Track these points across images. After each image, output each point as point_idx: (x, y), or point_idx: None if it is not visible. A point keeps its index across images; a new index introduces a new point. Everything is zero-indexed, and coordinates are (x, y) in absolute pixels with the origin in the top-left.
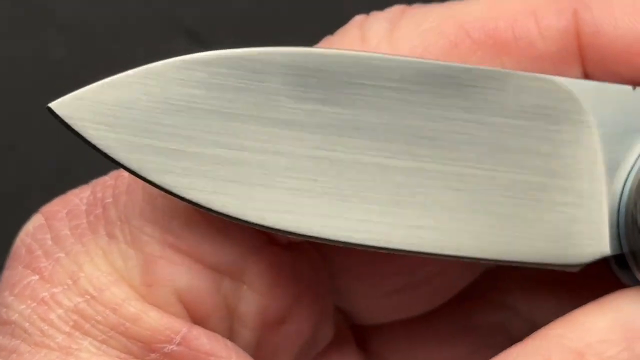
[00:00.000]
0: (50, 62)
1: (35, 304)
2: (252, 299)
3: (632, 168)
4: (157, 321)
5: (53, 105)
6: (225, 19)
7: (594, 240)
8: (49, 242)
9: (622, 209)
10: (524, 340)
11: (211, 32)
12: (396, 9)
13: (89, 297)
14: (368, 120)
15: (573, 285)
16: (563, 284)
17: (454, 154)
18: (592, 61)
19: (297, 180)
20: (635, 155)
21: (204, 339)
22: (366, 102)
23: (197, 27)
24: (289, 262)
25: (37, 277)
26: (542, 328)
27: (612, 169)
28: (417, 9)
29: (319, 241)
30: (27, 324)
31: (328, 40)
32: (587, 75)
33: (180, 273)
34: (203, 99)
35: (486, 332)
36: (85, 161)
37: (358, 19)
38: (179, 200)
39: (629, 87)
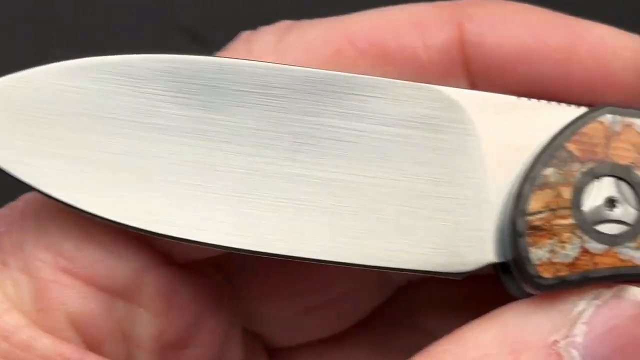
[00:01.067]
0: (50, 62)
1: None
2: (149, 321)
3: (515, 177)
4: (49, 348)
5: None
6: (225, 19)
7: (479, 248)
8: None
9: (506, 217)
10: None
11: (211, 32)
12: (283, 23)
13: None
14: (249, 126)
15: (483, 306)
16: (472, 303)
17: (337, 161)
18: (477, 72)
19: (177, 185)
20: (519, 164)
21: None
22: (247, 109)
23: (197, 27)
24: (187, 283)
25: None
26: (429, 345)
27: (497, 177)
28: (304, 22)
29: (198, 245)
30: None
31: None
32: (473, 86)
33: (72, 296)
34: (83, 104)
35: (398, 353)
36: None
37: (245, 34)
38: (66, 217)
39: (513, 98)
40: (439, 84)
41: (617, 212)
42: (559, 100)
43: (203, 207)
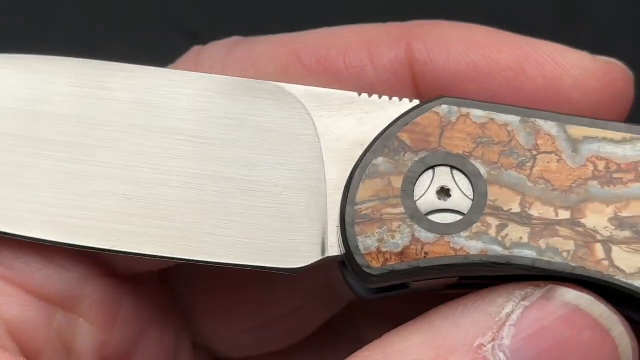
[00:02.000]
0: None
1: None
2: (89, 333)
3: (353, 172)
4: None
5: None
6: (225, 19)
7: (315, 243)
8: None
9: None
10: None
11: (211, 32)
12: (234, 38)
13: None
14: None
15: None
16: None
17: (176, 161)
18: (426, 90)
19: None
20: (354, 159)
21: None
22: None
23: (197, 27)
24: (131, 296)
25: None
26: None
27: (334, 172)
28: (255, 38)
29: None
30: None
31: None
32: None
33: (10, 304)
34: None
35: None
36: None
37: (196, 48)
38: None
39: (354, 94)
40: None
41: (451, 202)
42: None
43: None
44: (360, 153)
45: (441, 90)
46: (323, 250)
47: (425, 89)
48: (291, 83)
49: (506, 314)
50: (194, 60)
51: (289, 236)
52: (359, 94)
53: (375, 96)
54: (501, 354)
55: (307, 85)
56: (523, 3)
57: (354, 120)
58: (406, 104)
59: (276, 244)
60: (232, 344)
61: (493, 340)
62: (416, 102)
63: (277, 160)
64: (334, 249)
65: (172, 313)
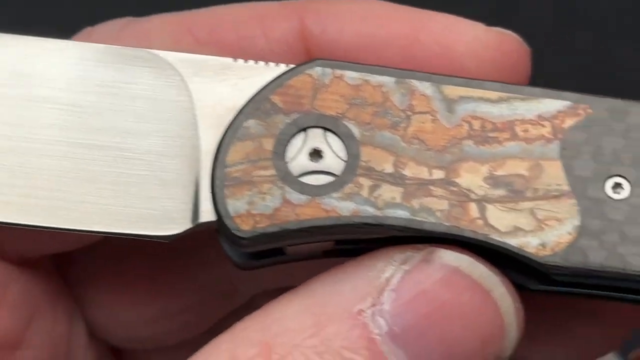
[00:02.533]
0: None
1: None
2: None
3: (224, 135)
4: None
5: None
6: None
7: (190, 209)
8: None
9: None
10: (212, 340)
11: None
12: (125, 18)
13: None
14: None
15: None
16: None
17: (54, 130)
18: None
19: None
20: (222, 126)
21: None
22: None
23: None
24: (19, 280)
25: None
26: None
27: (208, 138)
28: (147, 17)
29: None
30: None
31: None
32: None
33: None
34: None
35: None
36: None
37: (88, 28)
38: None
39: (230, 60)
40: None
41: (324, 163)
42: None
43: None
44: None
45: None
46: (196, 217)
47: None
48: None
49: (386, 279)
50: (85, 40)
51: (161, 203)
52: (235, 60)
53: (251, 61)
54: (381, 320)
55: None
56: (523, 3)
57: (229, 86)
58: (282, 69)
59: (149, 211)
60: (128, 336)
61: (373, 305)
62: (293, 67)
63: (151, 127)
64: (207, 215)
65: (65, 301)
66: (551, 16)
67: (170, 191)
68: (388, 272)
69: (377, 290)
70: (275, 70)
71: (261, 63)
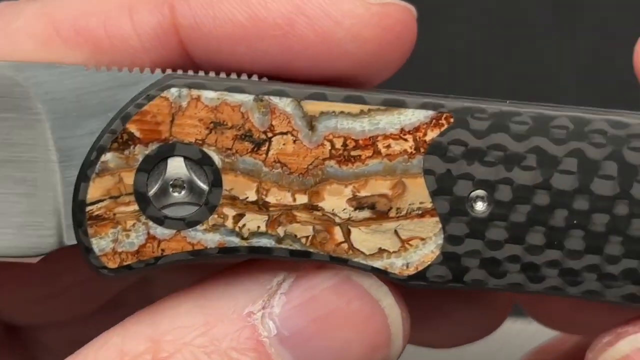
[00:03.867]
0: None
1: None
2: None
3: (81, 170)
4: None
5: None
6: None
7: (53, 231)
8: None
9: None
10: (100, 335)
11: None
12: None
13: None
14: None
15: None
16: None
17: None
18: (198, 55)
19: None
20: (88, 139)
21: None
22: None
23: None
24: None
25: None
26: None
27: (66, 156)
28: (11, 6)
29: None
30: None
31: None
32: (198, 68)
33: None
34: None
35: None
36: None
37: None
38: None
39: (81, 67)
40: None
41: (187, 194)
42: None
43: None
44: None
45: (211, 55)
46: (61, 241)
47: (196, 53)
48: (51, 59)
49: (277, 283)
50: None
51: (30, 226)
52: (87, 69)
53: (104, 69)
54: (270, 322)
55: (72, 59)
56: (523, 3)
57: (84, 96)
58: (139, 76)
59: (20, 234)
60: (20, 313)
61: (263, 308)
62: (149, 74)
63: (8, 145)
64: (72, 240)
65: None
66: (551, 16)
67: (36, 213)
68: (280, 276)
69: (268, 294)
70: (133, 79)
71: (114, 70)
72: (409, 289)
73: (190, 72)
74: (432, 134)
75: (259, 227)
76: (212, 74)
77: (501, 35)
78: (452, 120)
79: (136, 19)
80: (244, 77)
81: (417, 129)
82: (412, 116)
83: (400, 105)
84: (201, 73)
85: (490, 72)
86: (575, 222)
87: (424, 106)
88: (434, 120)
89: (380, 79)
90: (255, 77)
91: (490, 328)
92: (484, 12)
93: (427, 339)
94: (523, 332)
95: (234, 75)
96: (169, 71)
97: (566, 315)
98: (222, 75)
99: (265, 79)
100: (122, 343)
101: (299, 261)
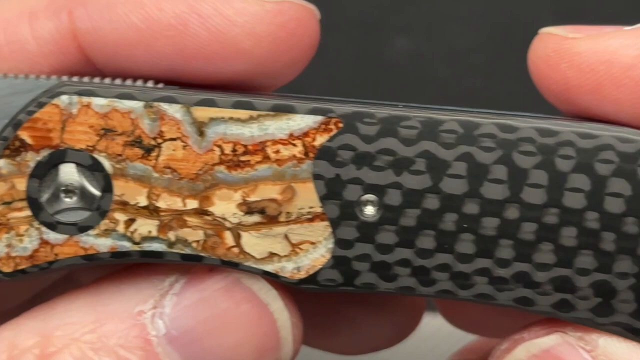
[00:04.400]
0: None
1: None
2: None
3: None
4: None
5: None
6: None
7: None
8: None
9: None
10: None
11: None
12: None
13: None
14: None
15: None
16: None
17: None
18: (97, 58)
19: None
20: None
21: None
22: None
23: None
24: None
25: None
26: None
27: None
28: None
29: None
30: None
31: None
32: (102, 73)
33: None
34: None
35: None
36: None
37: None
38: None
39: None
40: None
41: (79, 200)
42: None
43: None
44: None
45: (111, 59)
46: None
47: (96, 58)
48: None
49: (169, 284)
50: None
51: None
52: (4, 76)
53: (0, 76)
54: (160, 322)
55: None
56: (523, 3)
57: None
58: (33, 83)
59: None
60: None
61: (154, 308)
62: (44, 81)
63: None
64: None
65: None
66: (551, 16)
67: None
68: (172, 277)
69: (160, 294)
70: (29, 86)
71: (11, 77)
72: (313, 295)
73: (86, 79)
74: (321, 139)
75: (150, 231)
76: (107, 80)
77: (501, 35)
78: (341, 125)
79: (35, 25)
80: (140, 82)
81: (305, 134)
82: (301, 121)
83: (289, 110)
84: (97, 79)
85: (491, 72)
86: (465, 225)
87: (312, 111)
88: (322, 126)
89: (284, 80)
90: (150, 83)
91: (401, 336)
92: (484, 12)
93: (335, 346)
94: (455, 331)
95: (129, 81)
96: (64, 78)
97: (478, 318)
98: (118, 81)
99: (161, 85)
100: (13, 336)
101: (191, 265)
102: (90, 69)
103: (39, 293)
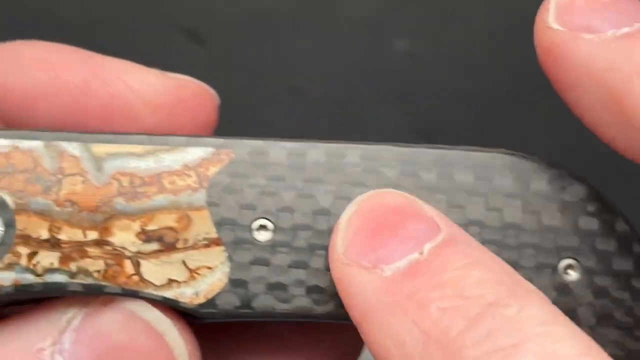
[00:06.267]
0: None
1: None
2: None
3: None
4: None
5: None
6: (225, 19)
7: None
8: None
9: None
10: None
11: (211, 32)
12: None
13: None
14: None
15: None
16: None
17: None
18: (5, 111)
19: None
20: None
21: None
22: None
23: (197, 27)
24: None
25: None
26: None
27: None
28: None
29: None
30: None
31: None
32: (7, 124)
33: None
34: None
35: None
36: None
37: None
38: None
39: None
40: None
41: None
42: None
43: None
44: None
45: (17, 112)
46: None
47: (4, 112)
48: None
49: (67, 320)
50: None
51: None
52: None
53: None
54: (60, 358)
55: None
56: (523, 3)
57: None
58: None
59: None
60: None
61: (53, 344)
62: None
63: None
64: None
65: None
66: None
67: None
68: (70, 313)
69: (58, 330)
70: None
71: None
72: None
73: None
74: (214, 169)
75: (52, 263)
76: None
77: (502, 36)
78: (232, 154)
79: None
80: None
81: (199, 165)
82: (194, 153)
83: (183, 144)
84: None
85: (491, 72)
86: None
87: (204, 143)
88: (215, 157)
89: None
90: None
91: None
92: (484, 12)
93: None
94: None
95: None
96: None
97: None
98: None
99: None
100: None
101: (92, 295)
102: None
103: None
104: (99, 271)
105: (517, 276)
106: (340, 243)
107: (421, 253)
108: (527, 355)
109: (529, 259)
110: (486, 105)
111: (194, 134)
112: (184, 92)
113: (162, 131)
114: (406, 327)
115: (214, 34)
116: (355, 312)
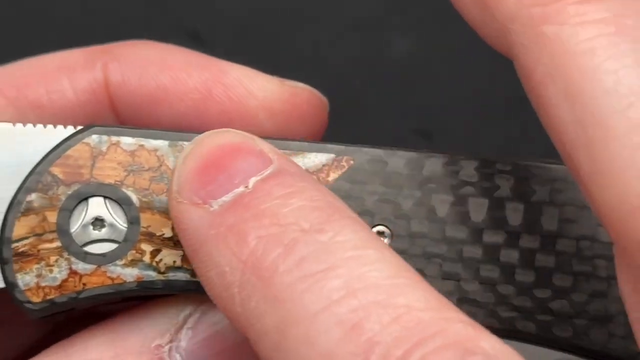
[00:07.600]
0: None
1: None
2: None
3: (8, 209)
4: None
5: None
6: (225, 19)
7: None
8: None
9: None
10: None
11: (211, 32)
12: None
13: None
14: None
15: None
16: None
17: None
18: (123, 111)
19: None
20: (11, 191)
21: None
22: None
23: (197, 27)
24: None
25: None
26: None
27: None
28: None
29: None
30: None
31: None
32: (123, 124)
33: None
34: None
35: None
36: None
37: None
38: None
39: (9, 125)
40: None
41: (106, 231)
42: None
43: None
44: (15, 185)
45: (135, 112)
46: None
47: (121, 110)
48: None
49: (184, 317)
50: None
51: None
52: (14, 124)
53: (29, 125)
54: (177, 355)
55: (11, 116)
56: None
57: (7, 152)
58: (61, 132)
59: None
60: None
61: (170, 341)
62: (71, 129)
63: None
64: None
65: None
66: None
67: None
68: (186, 311)
69: (175, 328)
70: (52, 132)
71: (39, 126)
72: None
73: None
74: (334, 175)
75: (174, 261)
76: None
77: None
78: (352, 162)
79: (74, 77)
80: None
81: (320, 170)
82: (315, 159)
83: (305, 149)
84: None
85: (491, 72)
86: None
87: (325, 150)
88: (335, 163)
89: None
90: None
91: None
92: None
93: None
94: None
95: None
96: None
97: None
98: None
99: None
100: None
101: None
102: (113, 120)
103: (54, 329)
104: None
105: (337, 203)
106: (176, 182)
107: (246, 187)
108: (336, 280)
109: None
110: (486, 105)
111: (309, 138)
112: (299, 98)
113: (275, 134)
114: (227, 258)
115: (214, 34)
116: (187, 248)
